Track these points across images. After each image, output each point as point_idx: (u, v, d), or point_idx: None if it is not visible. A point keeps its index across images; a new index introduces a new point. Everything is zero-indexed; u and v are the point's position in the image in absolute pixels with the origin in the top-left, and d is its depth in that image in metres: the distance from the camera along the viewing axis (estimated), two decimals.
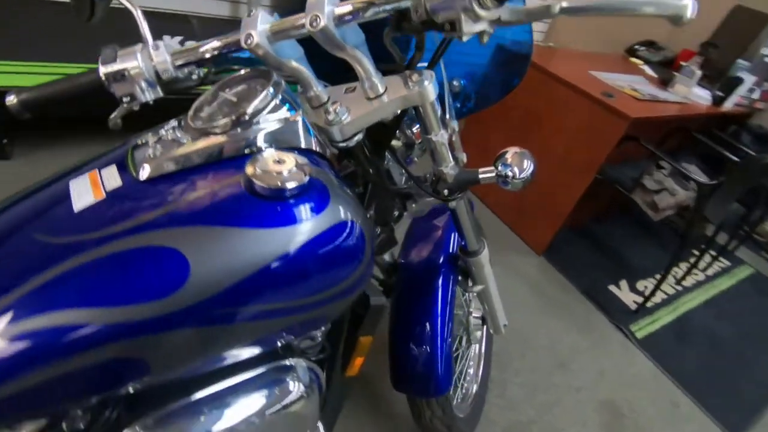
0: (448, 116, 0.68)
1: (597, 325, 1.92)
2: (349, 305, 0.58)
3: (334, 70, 0.64)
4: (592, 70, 2.25)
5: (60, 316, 0.38)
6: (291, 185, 0.46)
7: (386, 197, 0.78)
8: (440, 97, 0.68)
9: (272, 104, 0.53)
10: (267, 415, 0.53)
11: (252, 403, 0.53)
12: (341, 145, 0.62)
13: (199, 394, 0.51)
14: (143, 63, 0.53)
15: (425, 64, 0.65)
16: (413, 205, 0.82)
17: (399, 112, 0.70)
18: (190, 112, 0.55)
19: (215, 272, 0.42)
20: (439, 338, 0.98)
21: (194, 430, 0.49)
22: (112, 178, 0.50)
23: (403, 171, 0.82)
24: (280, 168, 0.47)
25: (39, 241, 0.43)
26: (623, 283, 2.21)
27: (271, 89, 0.53)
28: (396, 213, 0.82)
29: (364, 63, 0.54)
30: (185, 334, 0.43)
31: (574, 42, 3.21)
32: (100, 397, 0.44)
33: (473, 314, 1.22)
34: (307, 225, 0.46)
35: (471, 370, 1.37)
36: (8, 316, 0.38)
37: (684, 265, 2.39)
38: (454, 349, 1.24)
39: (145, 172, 0.49)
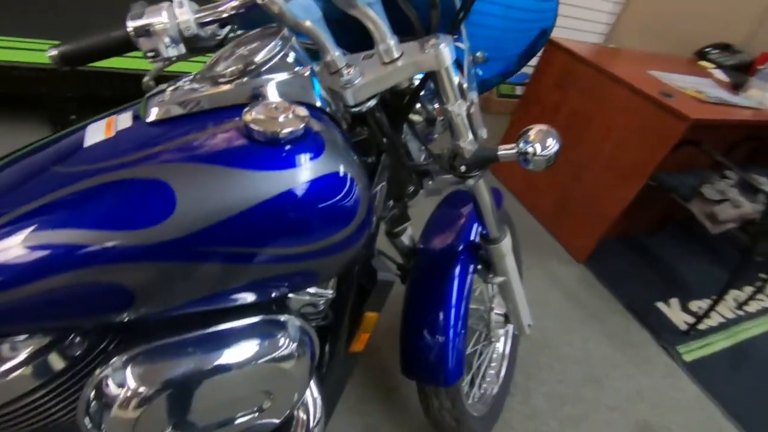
0: (466, 85, 0.65)
1: (639, 343, 1.78)
2: (342, 266, 0.56)
3: (357, 44, 0.63)
4: (652, 70, 2.10)
5: (56, 234, 0.41)
6: (285, 131, 0.46)
7: (400, 170, 0.76)
8: (459, 65, 0.65)
9: (280, 56, 0.53)
10: (253, 366, 0.53)
11: (239, 351, 0.53)
12: (354, 109, 0.61)
13: (189, 334, 0.52)
14: (168, 19, 0.55)
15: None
16: (430, 183, 0.80)
17: (418, 82, 0.69)
18: (206, 65, 0.57)
19: (201, 208, 0.43)
20: (452, 327, 0.94)
21: (181, 367, 0.50)
22: (124, 121, 0.52)
23: (421, 147, 0.80)
24: (277, 114, 0.47)
25: (48, 170, 0.46)
26: (674, 301, 2.04)
27: (279, 41, 0.53)
28: (411, 189, 0.79)
29: (377, 23, 0.53)
30: (168, 267, 0.43)
31: (639, 44, 3.03)
32: (90, 320, 0.46)
33: (495, 310, 1.17)
34: (297, 171, 0.46)
35: (492, 371, 1.31)
36: (8, 232, 0.41)
37: (748, 289, 2.16)
38: (472, 344, 1.20)
39: (152, 115, 0.50)
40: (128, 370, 0.48)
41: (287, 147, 0.46)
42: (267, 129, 0.45)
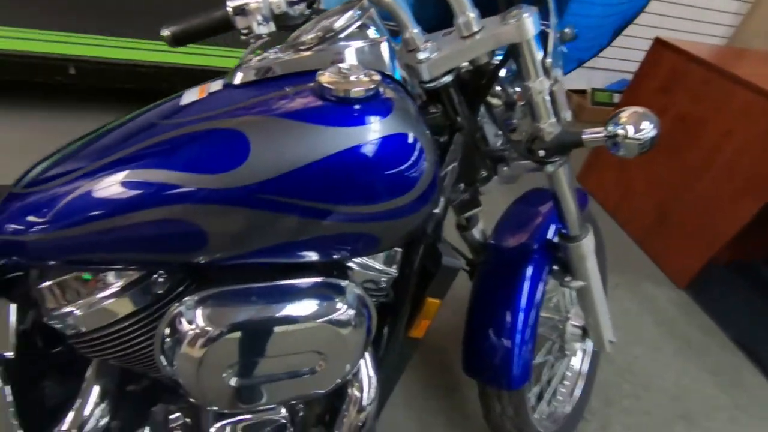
0: (550, 61, 0.61)
1: (748, 383, 1.52)
2: (403, 235, 0.56)
3: (440, 24, 0.63)
4: None
5: (147, 173, 0.46)
6: (356, 90, 0.48)
7: (473, 153, 0.73)
8: (543, 39, 0.61)
9: (358, 24, 0.54)
10: (310, 323, 0.55)
11: (298, 307, 0.54)
12: (429, 85, 0.61)
13: (255, 284, 0.55)
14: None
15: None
16: (505, 169, 0.76)
17: (498, 60, 0.66)
18: (290, 37, 0.60)
19: (271, 158, 0.46)
20: (520, 328, 0.88)
21: (244, 312, 0.53)
22: (215, 86, 0.57)
23: (498, 130, 0.76)
24: (349, 75, 0.48)
25: (147, 123, 0.51)
26: None
27: (358, 11, 0.55)
28: (483, 174, 0.76)
29: None
30: (237, 212, 0.47)
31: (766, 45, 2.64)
32: (169, 256, 0.50)
33: (572, 321, 1.08)
34: (365, 129, 0.48)
35: (564, 389, 1.20)
36: (110, 171, 0.46)
37: None
38: (543, 353, 1.11)
39: (236, 79, 0.54)
40: (198, 310, 0.52)
41: (357, 105, 0.48)
42: (338, 87, 0.47)
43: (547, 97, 0.63)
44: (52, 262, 0.49)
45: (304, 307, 0.55)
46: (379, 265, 0.68)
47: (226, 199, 0.46)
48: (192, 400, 0.58)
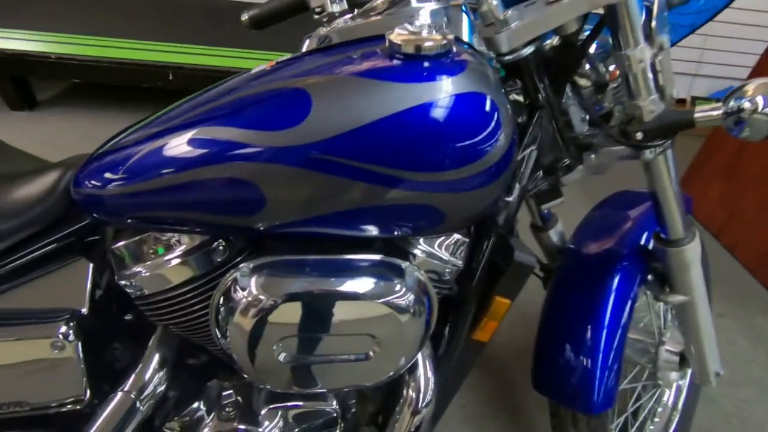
0: (654, 23, 0.53)
1: None
2: (470, 213, 0.51)
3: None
4: None
5: (213, 131, 0.47)
6: (427, 45, 0.44)
7: (555, 138, 0.65)
8: (648, 7, 0.54)
9: None
10: (365, 302, 0.51)
11: (354, 283, 0.51)
12: (507, 57, 0.56)
13: (311, 256, 0.53)
14: None
15: None
16: (592, 157, 0.67)
17: (588, 32, 0.59)
18: (364, 6, 0.59)
19: (334, 115, 0.44)
20: (603, 346, 0.77)
21: (299, 283, 0.51)
22: (284, 58, 0.57)
23: (585, 114, 0.68)
24: (420, 32, 0.45)
25: (217, 91, 0.52)
26: None
27: None
28: (566, 162, 0.68)
29: None
30: (297, 173, 0.45)
31: None
32: (229, 218, 0.49)
33: (667, 346, 0.93)
34: (435, 85, 0.44)
35: (654, 426, 1.04)
36: (180, 130, 0.48)
37: None
38: (629, 378, 0.97)
39: (304, 47, 0.54)
40: (253, 278, 0.50)
41: (427, 62, 0.45)
42: (409, 43, 0.44)
43: (649, 70, 0.55)
44: (125, 220, 0.51)
45: (361, 284, 0.51)
46: (444, 255, 0.63)
47: (284, 158, 0.44)
48: (245, 375, 0.57)
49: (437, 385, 0.69)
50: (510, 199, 0.64)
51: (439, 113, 0.43)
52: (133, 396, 0.60)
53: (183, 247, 0.55)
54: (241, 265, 0.51)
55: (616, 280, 0.80)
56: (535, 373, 0.82)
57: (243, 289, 0.50)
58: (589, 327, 0.78)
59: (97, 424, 0.58)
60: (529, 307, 1.49)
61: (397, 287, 0.52)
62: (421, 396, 0.67)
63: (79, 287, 0.58)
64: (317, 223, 0.48)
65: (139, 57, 1.98)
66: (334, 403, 0.70)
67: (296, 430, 0.69)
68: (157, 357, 0.63)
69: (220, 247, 0.55)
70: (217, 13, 2.19)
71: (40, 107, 2.27)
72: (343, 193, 0.46)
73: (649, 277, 0.80)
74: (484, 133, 0.44)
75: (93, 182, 0.50)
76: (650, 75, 0.55)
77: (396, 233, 0.51)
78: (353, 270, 0.52)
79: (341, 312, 0.51)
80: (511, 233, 0.71)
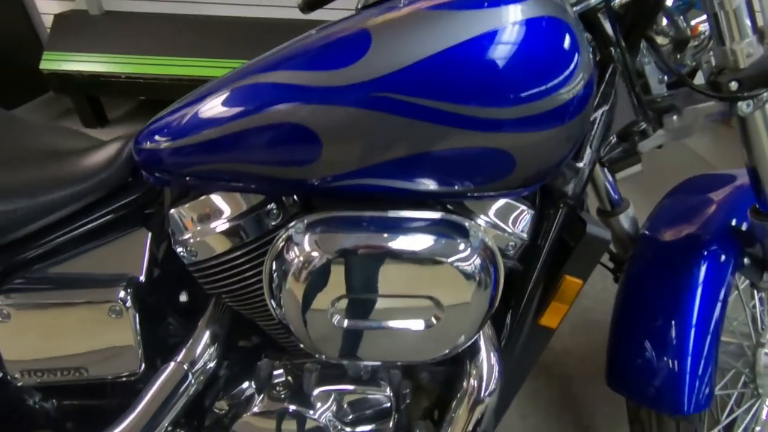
0: None
1: None
2: (541, 163, 0.46)
3: None
4: None
5: (274, 75, 0.45)
6: None
7: (629, 99, 0.60)
8: None
9: None
10: (424, 261, 0.47)
11: (414, 239, 0.47)
12: (577, 7, 0.52)
13: (368, 212, 0.50)
14: None
15: None
16: (674, 119, 0.60)
17: None
18: None
19: (394, 49, 0.41)
20: (693, 339, 0.68)
21: (355, 239, 0.47)
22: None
23: (662, 76, 0.62)
24: None
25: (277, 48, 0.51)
26: None
27: None
28: (642, 126, 0.62)
29: None
30: (352, 114, 0.43)
31: None
32: (283, 170, 0.48)
33: (767, 349, 0.80)
34: (502, 10, 0.41)
35: None
36: (233, 81, 0.48)
37: None
38: (721, 383, 0.85)
39: (360, 3, 0.52)
40: (308, 234, 0.48)
41: None
42: None
43: (745, 8, 0.49)
44: (184, 177, 0.50)
45: (422, 240, 0.48)
46: (508, 227, 0.58)
47: (341, 98, 0.42)
48: (300, 345, 0.54)
49: (501, 375, 0.62)
50: (580, 165, 0.59)
51: (509, 40, 0.40)
52: (185, 367, 0.59)
53: (237, 211, 0.54)
54: (296, 222, 0.49)
55: (705, 266, 0.71)
56: (610, 370, 0.74)
57: (297, 246, 0.47)
58: (675, 319, 0.69)
59: (151, 391, 0.57)
60: (591, 315, 1.39)
61: (461, 246, 0.47)
62: (484, 385, 0.61)
63: (137, 255, 0.59)
64: (375, 174, 0.45)
65: (200, 73, 2.09)
66: (388, 390, 0.65)
67: (349, 417, 0.65)
68: (208, 333, 0.62)
69: (274, 211, 0.53)
70: (275, 30, 2.29)
71: (111, 124, 2.45)
72: (403, 136, 0.43)
73: (745, 261, 0.70)
74: (560, 63, 0.40)
75: (153, 139, 0.50)
76: (746, 14, 0.49)
77: (460, 186, 0.47)
78: (413, 227, 0.49)
79: (401, 270, 0.47)
80: (581, 207, 0.65)
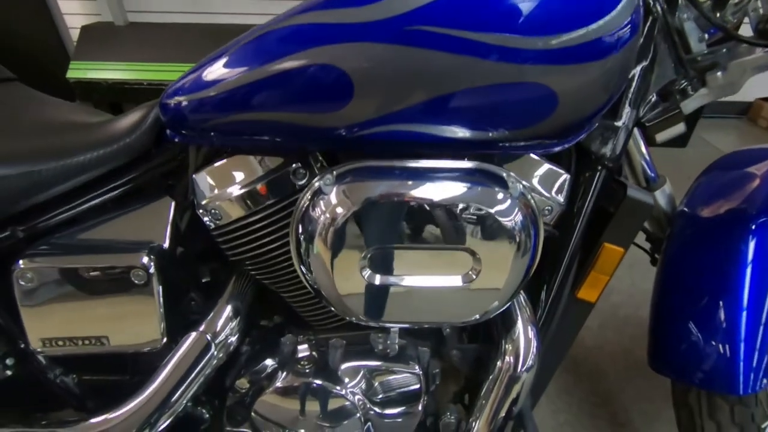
0: None
1: None
2: (583, 106, 0.43)
3: None
4: None
5: (292, 19, 0.44)
6: None
7: (669, 55, 0.57)
8: None
9: None
10: (464, 208, 0.45)
11: (449, 187, 0.45)
12: None
13: (399, 162, 0.47)
14: None
15: None
16: (718, 75, 0.57)
17: None
18: None
19: None
20: (743, 320, 0.63)
21: (386, 187, 0.45)
22: None
23: (702, 34, 0.59)
24: None
25: None
26: None
27: None
28: (683, 84, 0.59)
29: None
30: (387, 51, 0.41)
31: None
32: (313, 117, 0.46)
33: None
34: None
35: None
36: (260, 31, 0.46)
37: None
38: None
39: None
40: (336, 185, 0.46)
41: None
42: None
43: None
44: (209, 134, 0.49)
45: (459, 188, 0.45)
46: (544, 191, 0.55)
47: (371, 35, 0.41)
48: (331, 309, 0.52)
49: (538, 351, 0.59)
50: (618, 123, 0.56)
51: None
52: (208, 337, 0.57)
53: (262, 171, 0.52)
54: (323, 174, 0.47)
55: (753, 241, 0.66)
56: (654, 351, 0.69)
57: (325, 198, 0.45)
58: (725, 297, 0.65)
59: (173, 359, 0.55)
60: (620, 310, 1.33)
61: (501, 195, 0.45)
62: (521, 360, 0.58)
63: (161, 224, 0.58)
64: (407, 118, 0.43)
65: None
66: (417, 368, 0.62)
67: (377, 395, 0.61)
68: (230, 306, 0.60)
69: (300, 170, 0.51)
70: None
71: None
72: (440, 71, 0.41)
73: None
74: None
75: (180, 95, 0.49)
76: None
77: (496, 132, 0.44)
78: (448, 176, 0.46)
79: (437, 219, 0.45)
80: (618, 173, 0.61)
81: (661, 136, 0.61)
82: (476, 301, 0.50)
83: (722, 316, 0.64)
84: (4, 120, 0.62)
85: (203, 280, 0.66)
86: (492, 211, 0.44)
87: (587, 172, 0.58)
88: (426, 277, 0.48)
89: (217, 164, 0.54)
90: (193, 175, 0.55)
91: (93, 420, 0.54)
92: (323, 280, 0.48)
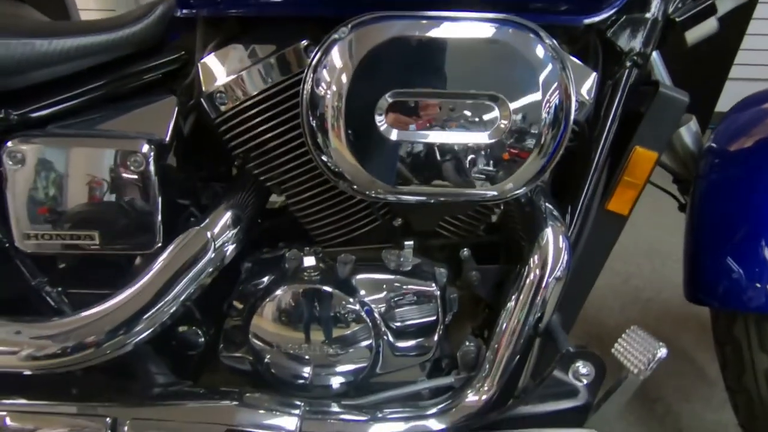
0: None
1: None
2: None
3: None
4: None
5: None
6: None
7: None
8: None
9: None
10: (488, 47, 0.42)
11: (476, 28, 0.42)
12: None
13: (422, 12, 0.44)
14: None
15: None
16: None
17: None
18: None
19: None
20: None
21: (403, 28, 0.42)
22: None
23: None
24: None
25: None
26: None
27: None
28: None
29: None
30: None
31: None
32: None
33: None
34: None
35: None
36: None
37: None
38: None
39: None
40: (352, 33, 0.42)
41: None
42: None
43: None
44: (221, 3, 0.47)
45: (487, 29, 0.42)
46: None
47: None
48: (354, 187, 0.48)
49: (569, 264, 0.53)
50: (648, 15, 0.53)
51: None
52: (208, 235, 0.52)
53: (270, 50, 0.50)
54: (339, 26, 0.44)
55: None
56: (692, 283, 0.63)
57: (341, 41, 0.42)
58: (754, 234, 0.60)
59: (169, 252, 0.50)
60: (642, 293, 1.26)
61: (533, 39, 0.42)
62: (549, 266, 0.52)
63: (164, 120, 0.55)
64: None
65: None
66: (434, 286, 0.56)
67: (393, 316, 0.56)
68: (230, 213, 0.55)
69: (311, 47, 0.48)
70: None
71: None
72: None
73: None
74: None
75: None
76: None
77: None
78: (475, 24, 0.43)
79: (460, 59, 0.42)
80: (648, 76, 0.58)
81: (692, 35, 0.58)
82: (506, 166, 0.46)
83: (748, 251, 0.59)
84: (7, 17, 0.61)
85: (202, 189, 0.63)
86: (524, 52, 0.41)
87: (616, 72, 0.55)
88: (450, 132, 0.44)
89: (224, 48, 0.51)
90: (200, 61, 0.52)
91: (80, 314, 0.49)
92: (335, 142, 0.44)
